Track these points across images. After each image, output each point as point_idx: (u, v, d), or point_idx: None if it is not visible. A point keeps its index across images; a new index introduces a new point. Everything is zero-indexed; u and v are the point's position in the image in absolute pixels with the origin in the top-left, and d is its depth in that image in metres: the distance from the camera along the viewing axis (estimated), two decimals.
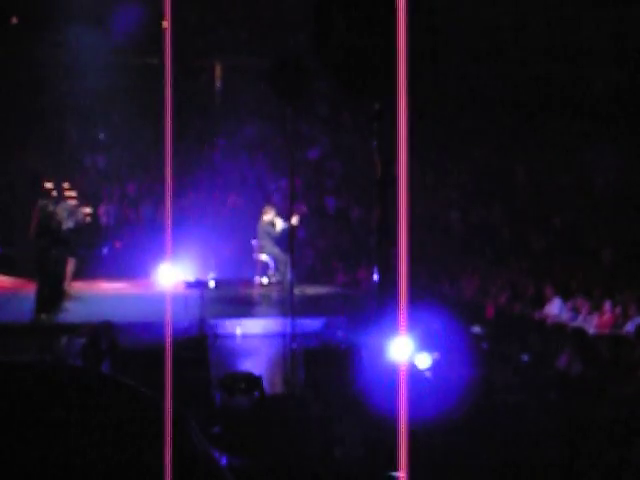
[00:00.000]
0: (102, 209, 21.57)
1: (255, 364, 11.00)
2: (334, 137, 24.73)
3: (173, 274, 12.08)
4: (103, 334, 9.35)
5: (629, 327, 12.86)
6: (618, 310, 13.49)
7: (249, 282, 16.41)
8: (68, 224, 14.40)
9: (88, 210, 21.50)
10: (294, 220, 14.65)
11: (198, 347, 10.23)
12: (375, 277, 6.34)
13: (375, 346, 7.07)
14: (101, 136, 23.29)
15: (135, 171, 22.74)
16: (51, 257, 13.06)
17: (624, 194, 20.07)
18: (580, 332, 11.35)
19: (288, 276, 12.98)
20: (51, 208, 13.34)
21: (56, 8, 21.20)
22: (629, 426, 7.16)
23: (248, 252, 17.04)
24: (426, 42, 5.26)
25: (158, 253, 14.18)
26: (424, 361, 9.48)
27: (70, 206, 15.21)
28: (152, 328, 11.63)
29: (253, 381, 8.73)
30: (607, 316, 13.50)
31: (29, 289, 14.03)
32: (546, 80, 22.86)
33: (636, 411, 7.46)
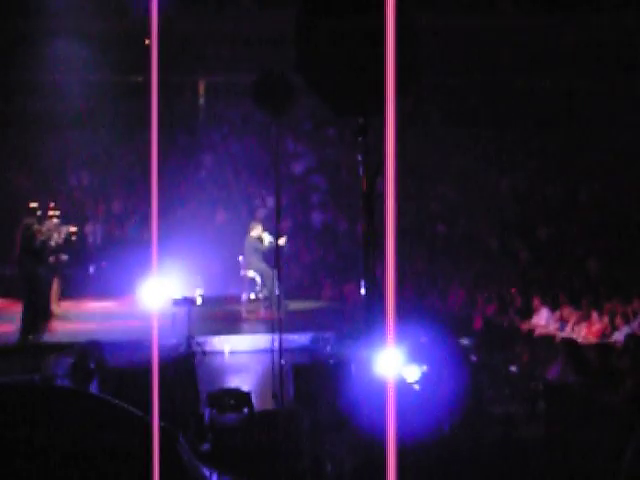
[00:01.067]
0: (88, 228, 21.51)
1: (244, 380, 10.99)
2: (319, 151, 24.77)
3: (160, 292, 12.05)
4: (91, 353, 9.31)
5: (617, 336, 12.88)
6: (606, 319, 13.52)
7: (236, 299, 16.40)
8: (53, 243, 14.37)
9: (73, 229, 21.41)
10: (282, 241, 14.72)
11: (186, 364, 10.20)
12: (362, 291, 6.35)
13: (364, 360, 7.06)
14: (85, 154, 23.23)
15: (120, 189, 22.69)
16: (37, 277, 13.00)
17: (609, 203, 20.18)
18: (571, 342, 11.36)
19: (275, 292, 12.97)
20: (36, 227, 13.29)
21: (35, 25, 21.17)
22: (619, 435, 7.17)
23: (235, 268, 17.02)
24: (409, 56, 5.28)
25: (145, 271, 14.16)
26: (413, 374, 9.48)
27: (55, 225, 15.17)
28: (140, 346, 11.60)
29: (242, 397, 8.71)
30: (595, 326, 13.52)
31: (15, 309, 13.97)
32: (530, 91, 23.00)
33: (625, 420, 7.47)
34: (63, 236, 15.20)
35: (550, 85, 23.36)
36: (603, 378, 9.22)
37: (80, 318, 15.06)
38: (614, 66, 21.88)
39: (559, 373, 10.06)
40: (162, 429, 2.31)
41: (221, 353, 12.65)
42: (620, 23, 21.43)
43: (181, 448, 2.74)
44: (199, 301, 13.46)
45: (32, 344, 12.43)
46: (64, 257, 14.68)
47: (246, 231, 16.03)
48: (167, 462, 2.30)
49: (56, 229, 15.03)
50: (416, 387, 9.39)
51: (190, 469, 2.79)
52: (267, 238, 15.51)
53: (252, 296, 15.97)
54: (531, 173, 22.31)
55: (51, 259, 14.18)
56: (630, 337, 11.55)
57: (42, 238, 13.44)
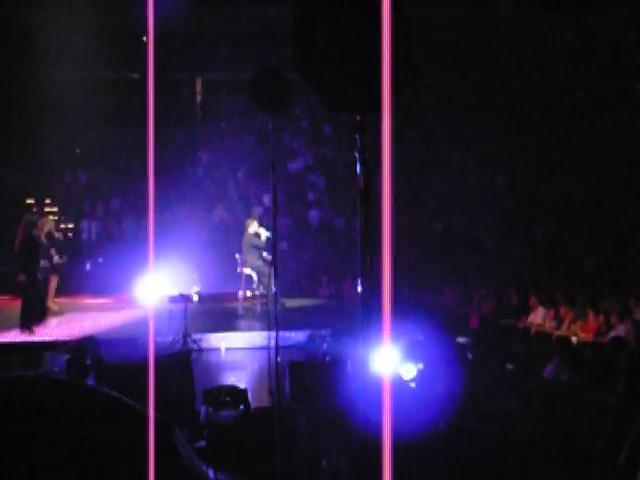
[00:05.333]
0: (85, 225, 21.51)
1: (240, 377, 10.99)
2: (316, 149, 24.76)
3: (156, 289, 12.06)
4: (87, 349, 9.30)
5: (615, 334, 12.91)
6: (601, 318, 13.54)
7: (233, 296, 16.39)
8: (51, 240, 14.37)
9: (71, 226, 21.43)
10: (265, 233, 14.81)
11: (182, 361, 10.19)
12: (359, 289, 6.36)
13: (360, 358, 7.07)
14: (82, 152, 23.20)
15: (118, 186, 22.68)
16: (35, 273, 13.00)
17: (604, 203, 20.20)
18: (565, 340, 11.38)
19: (272, 289, 12.97)
20: (35, 224, 13.29)
21: (33, 20, 21.11)
22: (614, 433, 7.18)
23: (232, 266, 17.03)
24: (406, 53, 5.28)
25: (141, 268, 14.18)
26: (409, 372, 9.48)
27: (53, 222, 15.19)
28: (136, 343, 11.61)
29: (238, 394, 8.70)
30: (590, 324, 13.54)
31: (13, 305, 13.98)
32: (527, 91, 23.00)
33: (621, 418, 7.48)
34: (61, 233, 15.29)
35: (549, 84, 23.38)
36: (598, 376, 9.23)
37: (76, 314, 15.05)
38: (611, 67, 21.90)
39: (554, 371, 10.07)
40: (159, 422, 2.32)
41: (217, 350, 12.65)
42: (617, 23, 21.44)
43: (178, 441, 2.74)
44: (196, 298, 13.47)
45: (29, 340, 12.43)
46: (60, 260, 14.73)
47: (243, 229, 16.02)
48: (164, 454, 2.30)
49: (55, 226, 15.08)
50: (412, 385, 9.40)
51: (187, 462, 2.79)
52: (264, 233, 15.53)
53: (248, 293, 15.96)
54: (528, 171, 22.33)
55: (53, 257, 14.24)
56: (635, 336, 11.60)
57: (41, 235, 13.44)
